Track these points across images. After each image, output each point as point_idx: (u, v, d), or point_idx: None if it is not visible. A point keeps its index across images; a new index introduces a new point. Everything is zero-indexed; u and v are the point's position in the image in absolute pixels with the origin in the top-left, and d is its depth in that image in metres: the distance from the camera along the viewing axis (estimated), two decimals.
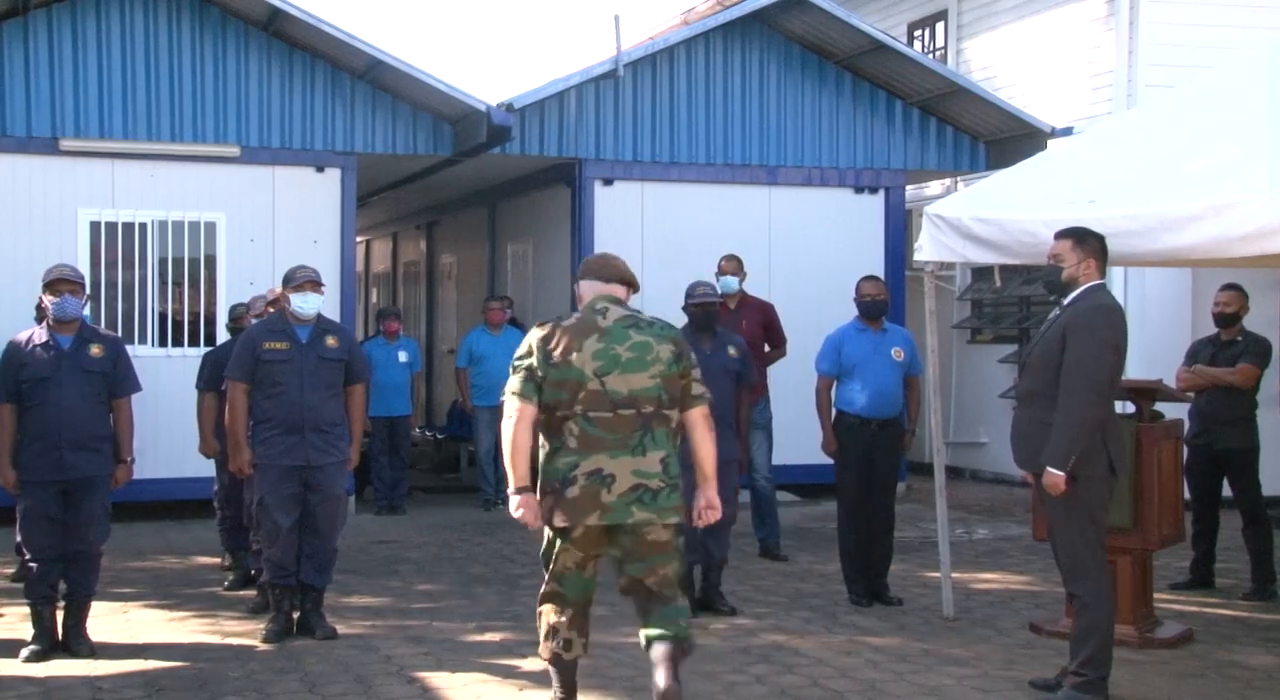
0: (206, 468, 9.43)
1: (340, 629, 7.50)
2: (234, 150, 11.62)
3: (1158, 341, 11.40)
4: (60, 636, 7.08)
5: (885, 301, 8.56)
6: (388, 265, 21.19)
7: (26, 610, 7.15)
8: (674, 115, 12.76)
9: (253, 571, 8.24)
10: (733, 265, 9.99)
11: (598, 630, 6.10)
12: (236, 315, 9.50)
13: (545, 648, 5.72)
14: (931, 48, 15.94)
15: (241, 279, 11.44)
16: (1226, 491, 8.80)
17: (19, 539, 7.27)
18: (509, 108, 11.60)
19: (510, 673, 6.69)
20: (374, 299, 21.48)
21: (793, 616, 8.00)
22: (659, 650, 5.41)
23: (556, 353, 5.47)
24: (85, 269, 10.69)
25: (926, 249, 7.74)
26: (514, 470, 5.47)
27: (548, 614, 5.70)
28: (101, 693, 6.39)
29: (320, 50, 11.68)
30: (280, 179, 11.81)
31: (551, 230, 13.63)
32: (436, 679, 6.61)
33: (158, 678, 6.62)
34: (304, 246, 11.41)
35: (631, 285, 5.83)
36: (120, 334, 10.80)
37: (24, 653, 6.95)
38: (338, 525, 7.61)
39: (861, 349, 8.40)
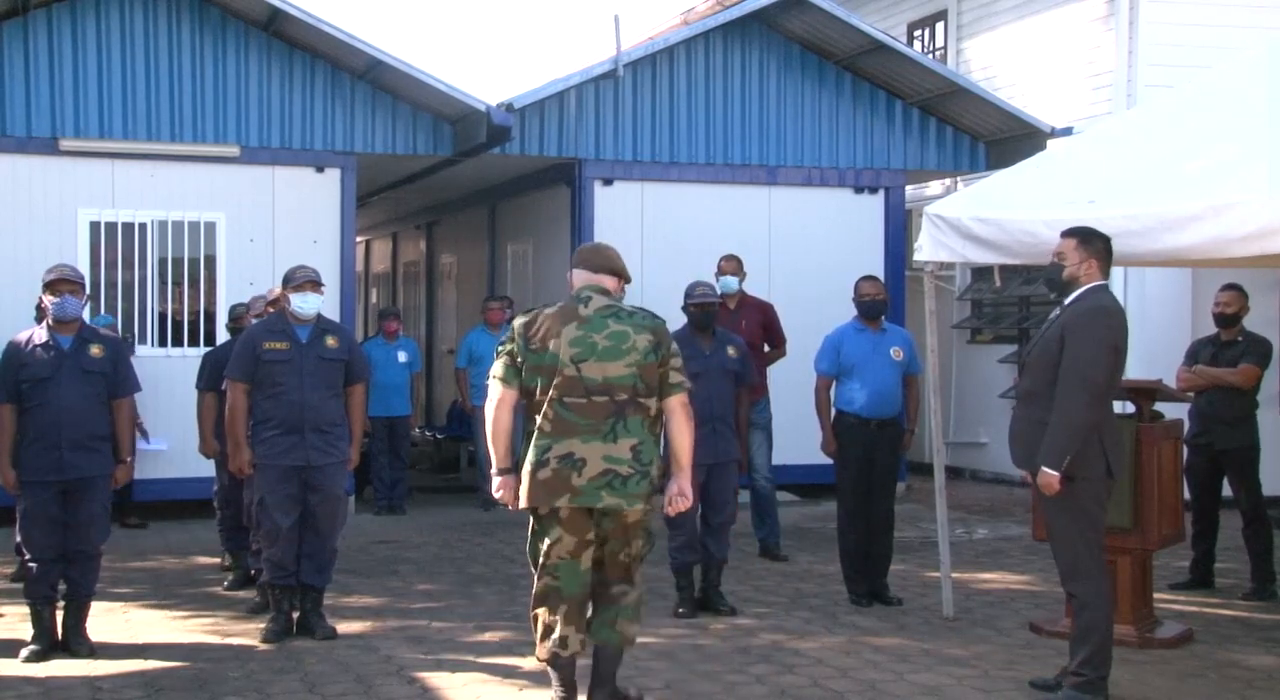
0: (206, 468, 9.43)
1: (340, 629, 7.50)
2: (234, 150, 11.62)
3: (1158, 341, 11.40)
4: (60, 636, 7.08)
5: (884, 301, 8.56)
6: (388, 265, 21.19)
7: (26, 610, 7.15)
8: (674, 115, 12.76)
9: (253, 571, 8.24)
10: (732, 265, 9.99)
11: None
12: (236, 315, 9.51)
13: (542, 648, 5.74)
14: (931, 48, 15.94)
15: (241, 279, 11.44)
16: (1226, 491, 8.80)
17: (19, 539, 7.27)
18: (509, 108, 11.60)
19: (510, 673, 6.69)
20: (374, 299, 21.48)
21: (793, 616, 8.00)
22: (598, 657, 5.75)
23: (536, 339, 5.66)
24: (85, 269, 10.69)
25: (926, 249, 7.74)
26: (495, 452, 5.73)
27: (542, 614, 5.73)
28: (101, 693, 6.39)
29: (320, 50, 11.68)
30: (280, 179, 11.81)
31: (551, 230, 13.63)
32: (436, 679, 6.61)
33: (158, 678, 6.62)
34: (304, 246, 11.41)
35: (621, 276, 5.90)
36: (120, 334, 10.85)
37: (24, 653, 6.95)
38: (337, 525, 7.61)
39: (860, 349, 8.40)
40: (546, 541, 5.67)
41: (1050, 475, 6.14)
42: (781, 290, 11.94)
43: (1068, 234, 6.42)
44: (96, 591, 7.30)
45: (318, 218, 11.87)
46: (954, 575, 8.18)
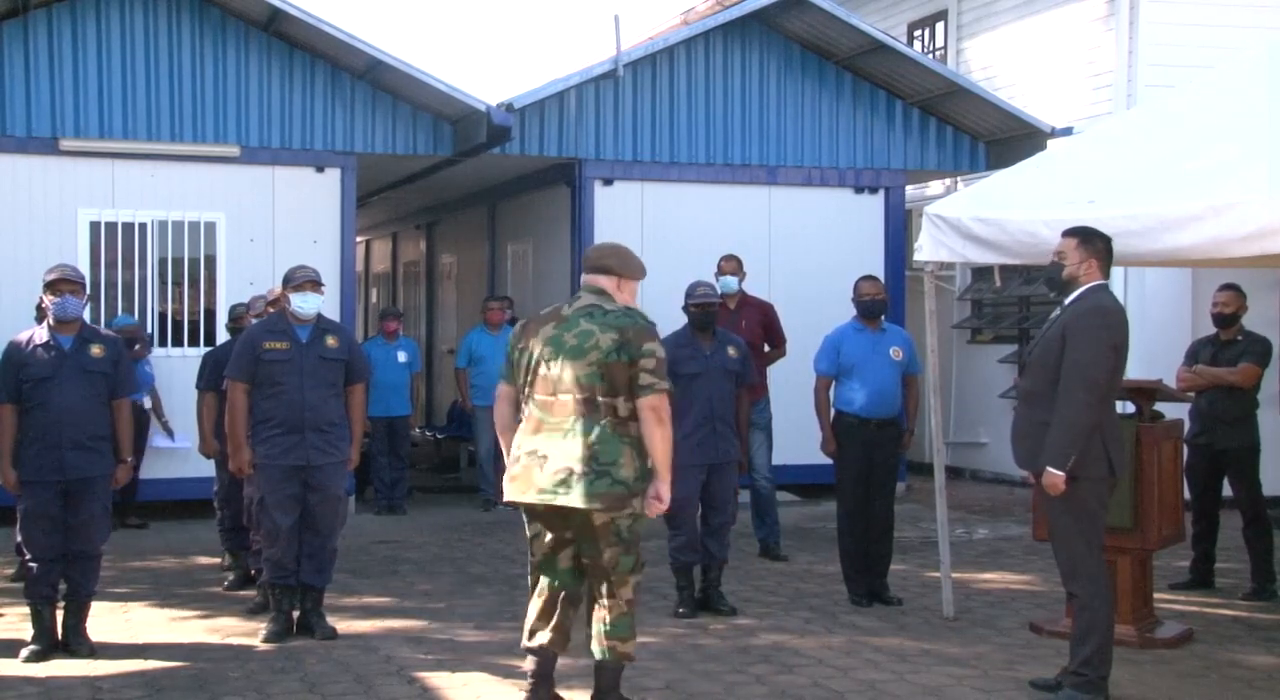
0: (207, 467, 9.42)
1: (340, 629, 7.50)
2: (234, 150, 11.62)
3: (1158, 341, 11.40)
4: (60, 636, 7.08)
5: (884, 301, 8.56)
6: (388, 265, 21.19)
7: (26, 610, 7.15)
8: (674, 115, 12.76)
9: (253, 571, 8.24)
10: (732, 265, 9.99)
11: None
12: (236, 315, 9.51)
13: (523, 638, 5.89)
14: (931, 48, 15.94)
15: (241, 279, 11.44)
16: (1227, 491, 8.80)
17: (19, 539, 7.27)
18: (509, 108, 11.60)
19: (510, 672, 6.67)
20: (374, 299, 21.48)
21: (793, 616, 8.00)
22: (596, 670, 5.80)
23: (523, 338, 5.82)
24: (85, 269, 10.69)
25: (926, 249, 7.74)
26: (503, 446, 5.92)
27: (528, 606, 5.87)
28: (101, 693, 6.39)
29: (320, 50, 11.68)
30: (280, 179, 11.80)
31: (551, 230, 13.62)
32: (436, 679, 6.60)
33: (158, 678, 6.62)
34: (304, 246, 11.41)
35: (610, 272, 5.84)
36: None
37: (24, 653, 6.95)
38: (337, 525, 7.61)
39: (860, 349, 8.39)
40: (530, 536, 5.84)
41: (1055, 475, 6.13)
42: (781, 290, 11.95)
43: (1068, 234, 6.42)
44: (97, 591, 7.30)
45: (318, 218, 11.87)
46: (954, 575, 8.18)
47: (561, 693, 6.00)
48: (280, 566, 7.40)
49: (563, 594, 5.80)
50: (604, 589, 5.71)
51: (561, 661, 6.00)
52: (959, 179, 14.27)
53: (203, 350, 10.34)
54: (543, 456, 5.64)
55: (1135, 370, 9.73)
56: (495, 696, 6.36)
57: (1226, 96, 7.27)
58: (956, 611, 7.96)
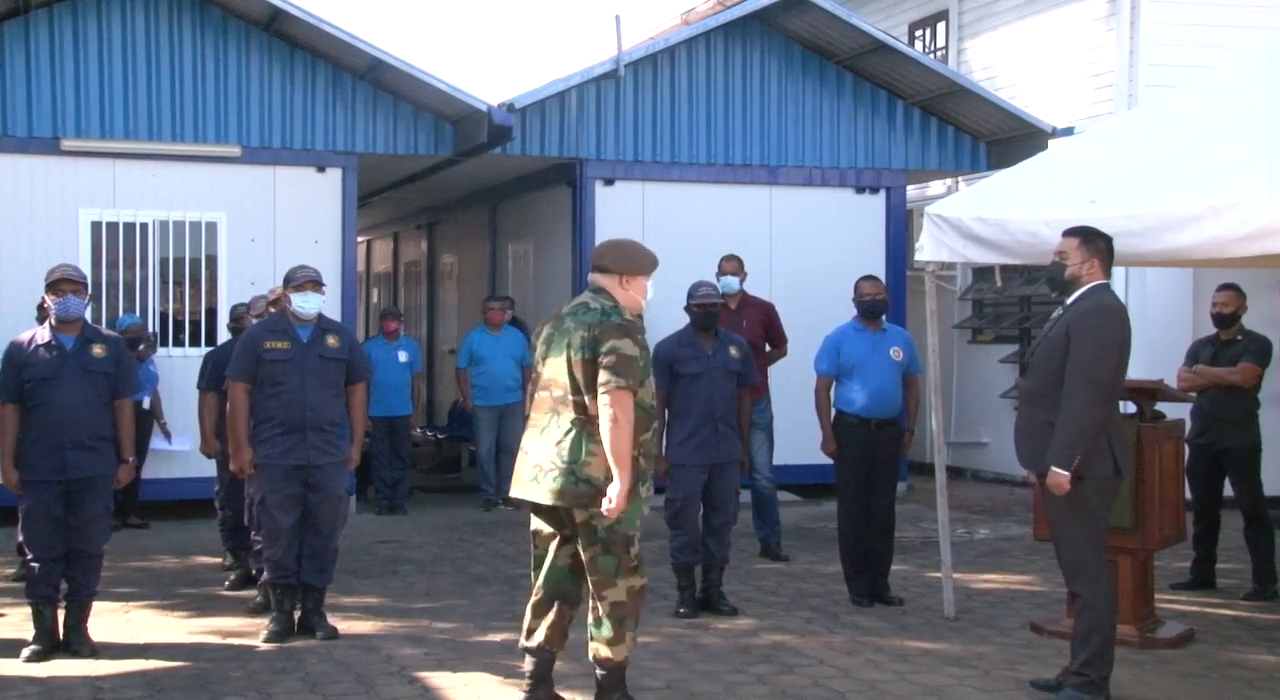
0: (208, 467, 9.43)
1: (341, 629, 7.50)
2: (235, 150, 11.62)
3: (1158, 341, 11.39)
4: (61, 636, 7.08)
5: (884, 301, 8.56)
6: (389, 265, 21.19)
7: (28, 610, 7.15)
8: (674, 115, 12.76)
9: (253, 571, 8.25)
10: (733, 265, 9.99)
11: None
12: (237, 315, 9.52)
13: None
14: (932, 48, 15.94)
15: (242, 279, 11.44)
16: (1228, 491, 8.80)
17: (20, 539, 7.28)
18: (510, 108, 11.60)
19: (511, 672, 6.67)
20: (375, 299, 21.48)
21: (794, 616, 8.00)
22: (596, 676, 5.79)
23: (536, 337, 5.95)
24: (86, 269, 10.66)
25: (927, 249, 7.74)
26: None
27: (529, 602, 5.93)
28: (102, 693, 6.39)
29: (321, 50, 11.68)
30: (281, 179, 11.81)
31: (552, 230, 13.62)
32: (437, 679, 6.61)
33: (159, 678, 6.62)
34: (305, 246, 11.41)
35: (607, 271, 5.82)
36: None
37: (25, 653, 6.95)
38: (338, 525, 7.61)
39: (860, 349, 8.39)
40: (531, 532, 5.91)
41: (1061, 475, 6.13)
42: (782, 290, 11.95)
43: (1070, 233, 6.42)
44: (98, 591, 7.29)
45: (319, 218, 11.87)
46: (955, 575, 8.18)
47: (562, 693, 6.00)
48: (281, 566, 7.41)
49: (560, 592, 5.81)
50: (591, 586, 5.74)
51: (562, 662, 6.00)
52: (960, 179, 14.27)
53: (204, 350, 10.35)
54: (525, 452, 5.78)
55: (1136, 370, 9.71)
56: (496, 696, 6.36)
57: (1227, 96, 7.27)
58: (957, 611, 7.96)
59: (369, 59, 11.36)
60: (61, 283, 7.08)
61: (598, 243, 6.20)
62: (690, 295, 8.36)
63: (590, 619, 5.75)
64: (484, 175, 14.20)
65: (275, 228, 11.77)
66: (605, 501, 5.52)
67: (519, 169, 13.66)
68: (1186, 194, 6.42)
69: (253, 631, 7.49)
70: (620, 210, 12.57)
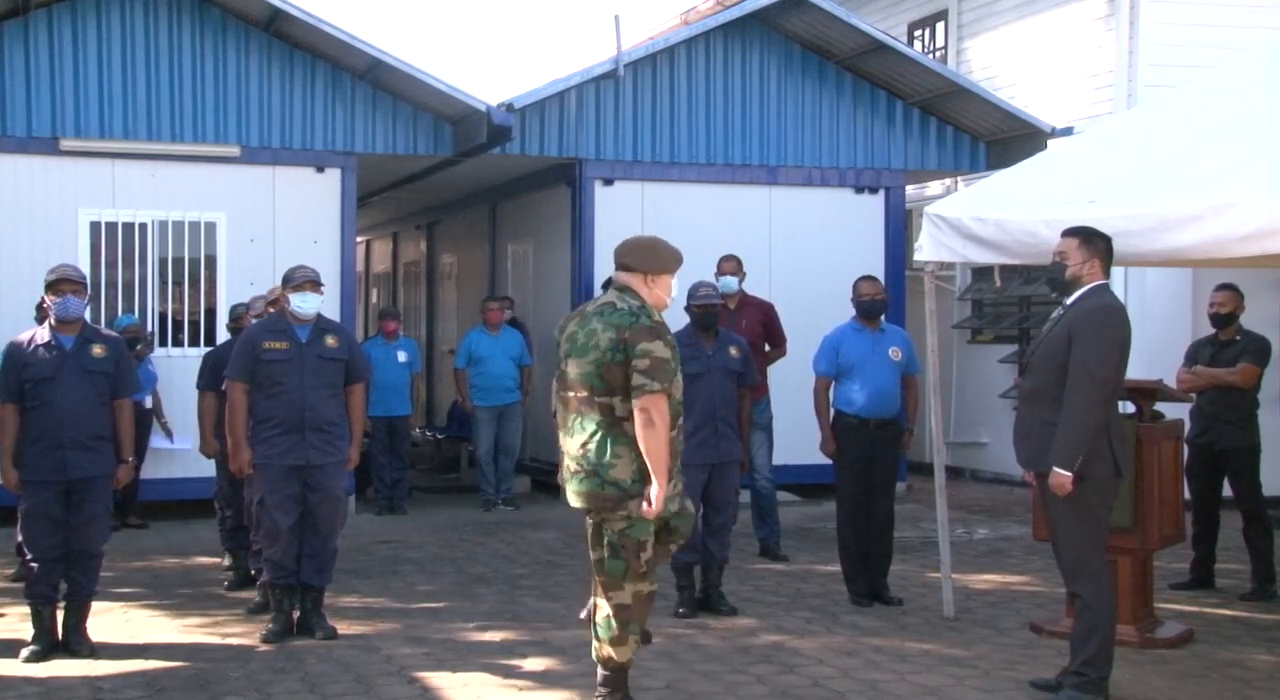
0: (207, 467, 9.43)
1: (340, 629, 7.50)
2: (234, 150, 11.62)
3: (1158, 341, 11.39)
4: (60, 636, 7.08)
5: (883, 301, 8.56)
6: (388, 265, 21.18)
7: (27, 610, 7.15)
8: (674, 115, 12.76)
9: (253, 571, 8.24)
10: (732, 265, 9.99)
11: None
12: (236, 315, 9.52)
13: None
14: (932, 48, 15.94)
15: (242, 279, 11.44)
16: (1227, 491, 8.80)
17: (20, 539, 7.28)
18: (509, 108, 11.60)
19: (511, 673, 6.69)
20: (374, 299, 21.47)
21: (793, 616, 8.00)
22: (599, 676, 5.79)
23: (559, 335, 5.88)
24: (86, 269, 10.64)
25: (927, 249, 7.74)
26: None
27: None
28: (102, 693, 6.39)
29: (321, 50, 11.68)
30: (280, 179, 11.80)
31: (552, 230, 13.62)
32: (437, 679, 6.60)
33: (158, 678, 6.62)
34: (304, 246, 11.41)
35: (630, 269, 5.79)
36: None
37: (24, 653, 6.95)
38: (338, 525, 7.61)
39: (859, 349, 8.39)
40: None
41: (1062, 475, 6.12)
42: (782, 290, 11.95)
43: (1069, 233, 6.42)
44: (97, 591, 7.30)
45: (318, 218, 11.87)
46: (954, 575, 8.18)
47: (563, 693, 5.99)
48: (280, 566, 7.40)
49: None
50: (598, 588, 5.74)
51: (564, 662, 6.00)
52: (959, 179, 14.27)
53: (203, 350, 10.34)
54: (563, 452, 5.78)
55: (1136, 370, 9.71)
56: (495, 696, 6.36)
57: (1227, 96, 7.27)
58: (957, 611, 7.96)
59: (368, 59, 11.36)
60: (61, 283, 7.07)
61: (619, 242, 5.94)
62: (690, 295, 8.35)
63: (597, 618, 5.74)
64: (483, 175, 14.20)
65: (274, 228, 11.76)
66: (644, 503, 5.54)
67: (518, 169, 13.65)
68: (1186, 194, 6.42)
69: (252, 631, 7.49)
70: (620, 210, 12.57)
